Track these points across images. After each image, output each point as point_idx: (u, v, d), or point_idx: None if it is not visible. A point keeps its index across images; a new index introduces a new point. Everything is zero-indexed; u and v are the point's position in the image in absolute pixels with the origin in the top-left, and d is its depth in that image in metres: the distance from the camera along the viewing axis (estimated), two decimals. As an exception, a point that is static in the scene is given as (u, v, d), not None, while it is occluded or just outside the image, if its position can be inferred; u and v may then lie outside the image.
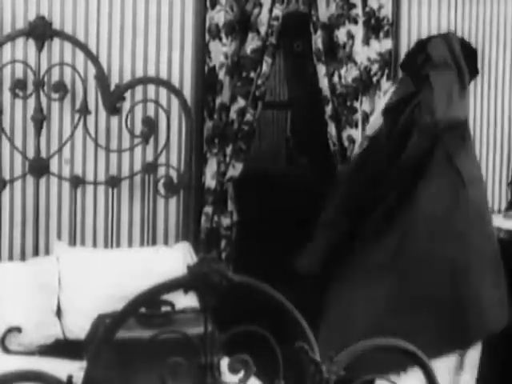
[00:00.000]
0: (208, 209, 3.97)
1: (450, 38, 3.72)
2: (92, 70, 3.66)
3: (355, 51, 4.08)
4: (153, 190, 3.81)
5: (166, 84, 3.80)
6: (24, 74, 3.62)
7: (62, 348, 3.24)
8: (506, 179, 4.51)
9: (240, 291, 1.57)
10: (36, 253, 3.65)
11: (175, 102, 3.80)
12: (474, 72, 3.71)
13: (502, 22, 4.46)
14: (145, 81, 3.80)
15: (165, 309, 3.13)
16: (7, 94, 3.61)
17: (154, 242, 3.85)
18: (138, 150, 3.81)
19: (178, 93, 3.78)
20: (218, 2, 3.89)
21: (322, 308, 3.65)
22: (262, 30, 3.95)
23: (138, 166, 3.82)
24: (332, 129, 4.16)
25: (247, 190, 4.31)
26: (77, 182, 3.71)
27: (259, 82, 3.99)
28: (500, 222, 4.15)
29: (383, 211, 3.59)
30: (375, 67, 4.11)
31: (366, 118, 4.11)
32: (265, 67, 3.99)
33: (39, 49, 3.58)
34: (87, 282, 3.39)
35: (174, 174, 3.82)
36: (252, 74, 3.97)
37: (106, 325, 1.59)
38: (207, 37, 3.91)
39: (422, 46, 3.69)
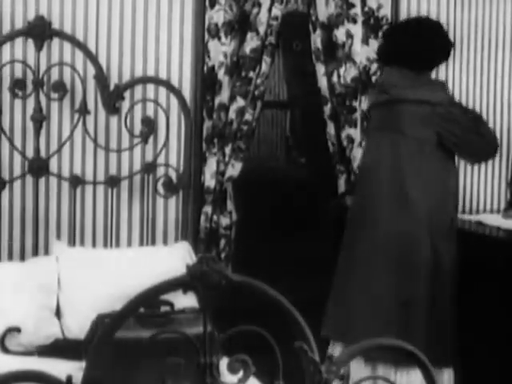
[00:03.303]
0: (207, 208, 3.97)
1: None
2: (91, 70, 3.66)
3: (354, 51, 4.08)
4: (152, 190, 3.81)
5: (165, 84, 3.80)
6: (23, 74, 3.61)
7: (62, 348, 3.24)
8: (505, 179, 4.51)
9: (239, 291, 1.57)
10: (35, 253, 3.65)
11: (174, 101, 3.80)
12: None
13: (501, 21, 4.46)
14: (144, 80, 3.80)
15: (164, 309, 3.13)
16: (6, 94, 3.61)
17: (154, 242, 3.85)
18: (138, 150, 3.81)
19: (177, 92, 3.78)
20: (217, 1, 3.89)
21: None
22: (261, 29, 3.95)
23: (137, 166, 3.82)
24: (331, 128, 4.16)
25: (246, 189, 4.31)
26: (76, 181, 3.71)
27: (258, 81, 3.99)
28: (499, 221, 4.15)
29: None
30: (374, 67, 4.11)
31: (364, 117, 4.11)
32: (264, 67, 3.99)
33: (38, 48, 3.58)
34: (86, 281, 3.39)
35: (173, 173, 3.83)
36: (251, 74, 3.97)
37: (106, 325, 1.59)
38: (206, 36, 3.91)
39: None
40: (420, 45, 3.60)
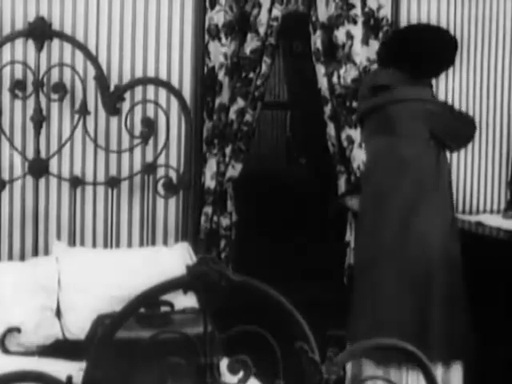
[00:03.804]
0: (207, 209, 3.97)
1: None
2: (91, 71, 3.66)
3: (354, 51, 4.08)
4: (152, 191, 3.81)
5: (166, 85, 3.80)
6: (23, 75, 3.61)
7: (62, 348, 3.24)
8: (505, 179, 4.51)
9: (240, 291, 1.57)
10: (35, 253, 3.65)
11: (174, 102, 3.80)
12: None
13: (502, 21, 4.46)
14: (144, 81, 3.80)
15: (164, 309, 3.13)
16: (7, 95, 3.61)
17: (154, 243, 3.85)
18: (138, 151, 3.81)
19: (177, 93, 3.78)
20: (218, 2, 3.89)
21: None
22: (262, 30, 3.95)
23: (137, 167, 3.82)
24: (331, 129, 4.16)
25: (247, 190, 4.31)
26: (76, 182, 3.71)
27: (258, 82, 3.99)
28: (499, 221, 4.15)
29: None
30: (374, 67, 4.11)
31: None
32: (264, 67, 3.99)
33: (39, 49, 3.58)
34: (87, 282, 3.39)
35: (173, 174, 3.82)
36: (251, 75, 3.97)
37: (106, 325, 1.59)
38: (206, 37, 3.91)
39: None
40: (428, 55, 3.59)
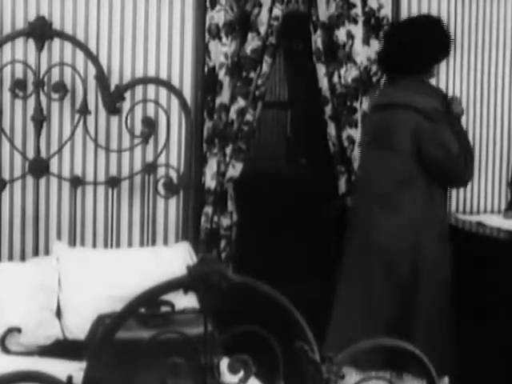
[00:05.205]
0: (208, 209, 3.97)
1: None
2: (92, 70, 3.66)
3: (355, 51, 4.08)
4: (153, 190, 3.81)
5: (166, 84, 3.80)
6: (24, 74, 3.61)
7: (62, 348, 3.24)
8: (506, 179, 4.51)
9: (240, 291, 1.57)
10: (36, 253, 3.65)
11: (175, 102, 3.80)
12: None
13: (502, 21, 4.46)
14: (145, 81, 3.80)
15: (165, 309, 3.13)
16: (7, 94, 3.61)
17: (154, 242, 3.85)
18: (138, 150, 3.81)
19: (177, 93, 3.78)
20: (218, 1, 3.89)
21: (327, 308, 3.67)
22: (262, 29, 3.95)
23: (137, 167, 3.82)
24: (332, 129, 4.16)
25: (247, 190, 4.30)
26: (77, 182, 3.71)
27: (259, 81, 3.99)
28: (500, 222, 4.15)
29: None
30: (375, 67, 4.11)
31: (365, 118, 4.10)
32: (265, 67, 3.98)
33: (39, 49, 3.58)
34: (87, 282, 3.39)
35: (173, 174, 3.83)
36: (252, 74, 3.97)
37: (106, 325, 1.59)
38: (207, 37, 3.91)
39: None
40: (414, 45, 3.54)
